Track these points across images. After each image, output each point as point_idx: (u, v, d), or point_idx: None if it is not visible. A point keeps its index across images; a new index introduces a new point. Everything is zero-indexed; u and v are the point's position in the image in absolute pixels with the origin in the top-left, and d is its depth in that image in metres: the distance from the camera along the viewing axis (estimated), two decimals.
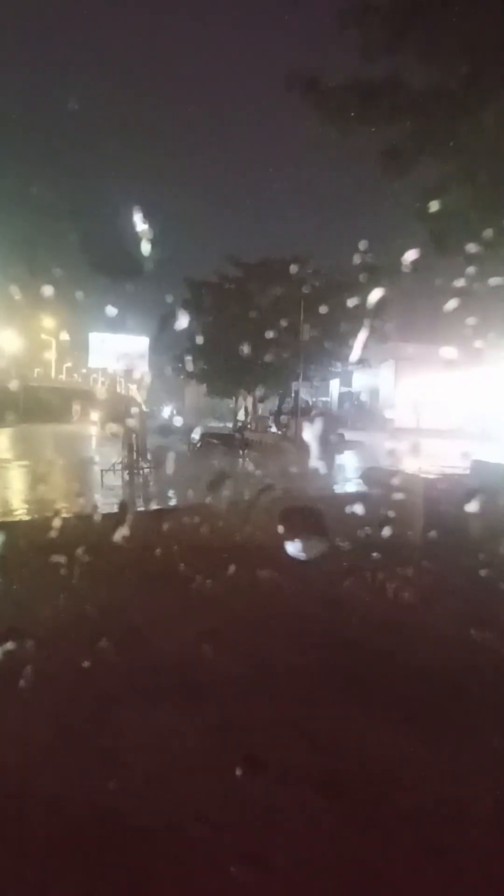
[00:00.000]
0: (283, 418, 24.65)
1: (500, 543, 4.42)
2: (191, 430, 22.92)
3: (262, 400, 28.92)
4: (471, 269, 7.98)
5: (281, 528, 3.89)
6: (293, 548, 3.64)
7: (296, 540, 3.69)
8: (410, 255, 8.19)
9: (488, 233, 7.11)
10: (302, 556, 3.61)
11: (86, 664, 2.94)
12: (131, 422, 11.93)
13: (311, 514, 4.39)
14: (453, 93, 6.82)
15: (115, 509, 8.09)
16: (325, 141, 8.13)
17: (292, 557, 3.63)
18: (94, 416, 28.20)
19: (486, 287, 8.42)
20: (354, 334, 21.62)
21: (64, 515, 7.69)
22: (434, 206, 7.45)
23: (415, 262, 8.34)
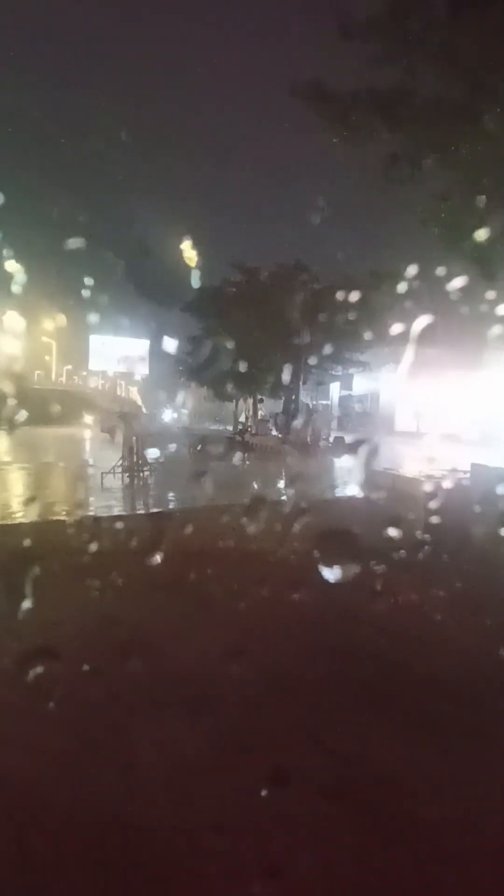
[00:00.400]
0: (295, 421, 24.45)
1: (495, 544, 4.42)
2: (191, 433, 22.91)
3: (261, 401, 28.93)
4: (474, 273, 7.99)
5: (283, 535, 3.88)
6: (295, 552, 3.64)
7: (298, 545, 3.69)
8: (412, 262, 8.22)
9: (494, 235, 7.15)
10: (303, 558, 3.61)
11: (97, 670, 2.91)
12: (131, 425, 11.92)
13: (314, 520, 4.39)
14: (458, 101, 6.86)
15: (112, 513, 8.09)
16: (331, 148, 8.17)
17: (293, 561, 3.63)
18: (95, 418, 28.21)
19: (487, 291, 8.43)
20: (355, 338, 21.66)
21: (61, 518, 7.69)
22: (443, 210, 7.48)
23: (416, 268, 8.36)
